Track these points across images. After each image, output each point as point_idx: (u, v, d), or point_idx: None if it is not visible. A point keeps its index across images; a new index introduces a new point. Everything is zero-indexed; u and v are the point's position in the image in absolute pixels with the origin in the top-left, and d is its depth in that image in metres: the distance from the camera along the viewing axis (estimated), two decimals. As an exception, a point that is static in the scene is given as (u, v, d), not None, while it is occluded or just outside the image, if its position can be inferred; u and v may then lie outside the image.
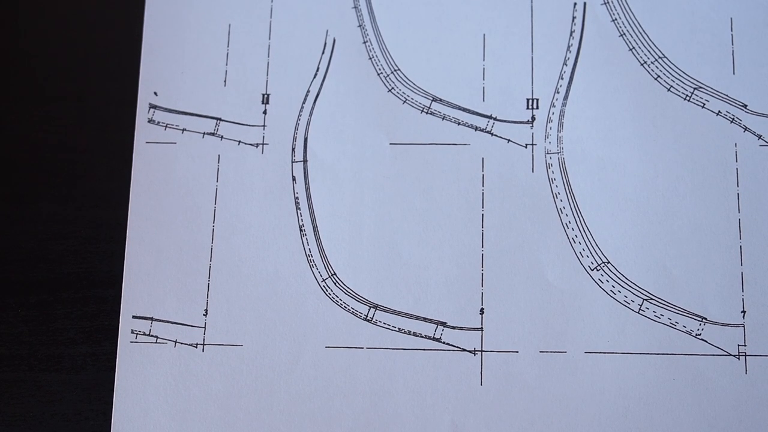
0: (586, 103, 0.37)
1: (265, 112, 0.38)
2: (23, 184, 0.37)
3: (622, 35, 0.37)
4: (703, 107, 0.37)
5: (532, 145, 0.37)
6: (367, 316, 0.35)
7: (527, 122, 0.37)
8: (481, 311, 0.35)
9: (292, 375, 0.35)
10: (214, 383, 0.35)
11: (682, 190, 0.36)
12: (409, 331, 0.35)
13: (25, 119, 0.38)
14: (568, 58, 0.37)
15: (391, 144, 0.37)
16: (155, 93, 0.38)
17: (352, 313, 0.36)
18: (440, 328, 0.35)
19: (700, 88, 0.37)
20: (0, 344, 0.33)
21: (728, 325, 0.35)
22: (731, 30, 0.37)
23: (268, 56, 0.38)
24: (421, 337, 0.35)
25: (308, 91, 0.38)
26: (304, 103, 0.38)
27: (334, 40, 0.38)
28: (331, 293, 0.36)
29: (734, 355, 0.34)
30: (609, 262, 0.35)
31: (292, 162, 0.37)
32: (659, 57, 0.37)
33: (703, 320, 0.35)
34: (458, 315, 0.35)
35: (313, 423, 0.35)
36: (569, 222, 0.36)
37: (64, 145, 0.38)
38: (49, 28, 0.39)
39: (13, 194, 0.37)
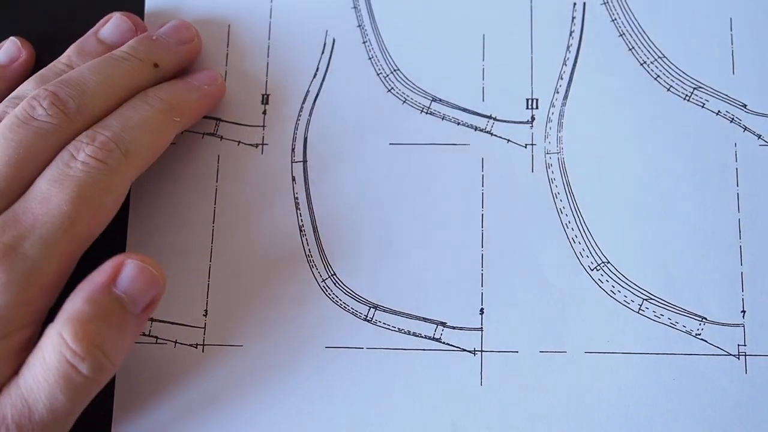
0: (585, 103, 0.37)
1: (264, 113, 0.38)
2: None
3: (621, 35, 0.37)
4: (702, 107, 0.37)
5: (532, 145, 0.37)
6: (367, 316, 0.35)
7: (527, 122, 0.37)
8: (481, 311, 0.35)
9: (293, 375, 0.35)
10: (214, 383, 0.35)
11: (682, 190, 0.36)
12: (409, 331, 0.35)
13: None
14: (568, 58, 0.37)
15: (390, 144, 0.37)
16: (155, 93, 0.38)
17: (352, 313, 0.36)
18: (440, 328, 0.35)
19: (700, 87, 0.37)
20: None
21: (728, 324, 0.35)
22: (731, 30, 0.37)
23: (268, 56, 0.38)
24: (421, 337, 0.35)
25: (308, 91, 0.38)
26: (303, 103, 0.38)
27: (334, 40, 0.38)
28: (331, 293, 0.36)
29: (734, 355, 0.34)
30: (609, 262, 0.35)
31: (292, 162, 0.37)
32: (659, 57, 0.37)
33: (703, 320, 0.35)
34: (458, 315, 0.35)
35: (313, 423, 0.34)
36: (569, 222, 0.36)
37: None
38: (47, 31, 0.39)
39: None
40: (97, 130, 0.32)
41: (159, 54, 0.35)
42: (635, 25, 0.37)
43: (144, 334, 0.36)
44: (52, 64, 0.36)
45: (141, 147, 0.32)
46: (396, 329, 0.35)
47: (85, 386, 0.29)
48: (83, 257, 0.36)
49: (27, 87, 0.34)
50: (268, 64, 0.38)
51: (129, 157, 0.32)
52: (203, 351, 0.35)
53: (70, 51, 0.36)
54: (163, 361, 0.35)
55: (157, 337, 0.36)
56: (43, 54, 0.39)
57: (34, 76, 0.35)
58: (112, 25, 0.37)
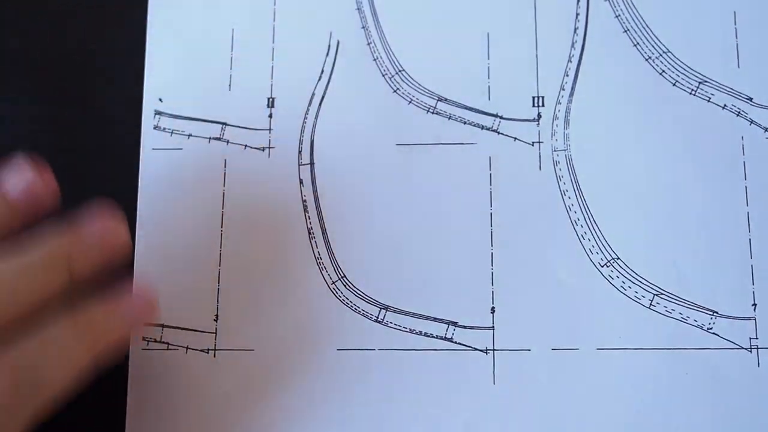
0: (591, 99, 0.37)
1: (270, 116, 0.38)
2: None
3: (626, 31, 0.37)
4: (708, 101, 0.37)
5: (539, 142, 0.37)
6: (378, 317, 0.35)
7: (533, 120, 0.37)
8: (492, 310, 0.35)
9: (305, 378, 0.35)
10: (226, 388, 0.35)
11: (690, 185, 0.36)
12: (421, 332, 0.35)
13: (33, 126, 0.38)
14: (573, 55, 0.37)
15: (397, 145, 0.37)
16: (160, 99, 0.38)
17: (363, 314, 0.35)
18: (451, 327, 0.35)
19: (705, 82, 0.37)
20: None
21: (740, 318, 0.35)
22: (735, 24, 0.37)
23: (272, 60, 0.38)
24: (433, 337, 0.35)
25: (313, 94, 0.38)
26: (309, 105, 0.38)
27: (338, 42, 0.38)
28: (342, 295, 0.36)
29: (746, 349, 0.34)
30: (619, 258, 0.35)
31: (299, 165, 0.37)
32: (664, 52, 0.37)
33: (715, 314, 0.35)
34: (469, 314, 0.35)
35: (327, 425, 0.34)
36: (578, 219, 0.36)
37: (72, 152, 0.38)
38: (52, 37, 0.39)
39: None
40: (11, 361, 0.27)
41: (78, 262, 0.30)
42: (639, 21, 0.37)
43: (155, 341, 0.35)
44: None
45: (55, 383, 0.28)
46: (407, 330, 0.35)
47: None
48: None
49: None
50: (272, 67, 0.38)
51: (41, 389, 0.28)
52: (215, 356, 0.35)
53: None
54: (174, 367, 0.35)
55: (168, 344, 0.36)
56: (45, 62, 0.38)
57: None
58: (16, 178, 0.31)
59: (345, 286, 0.36)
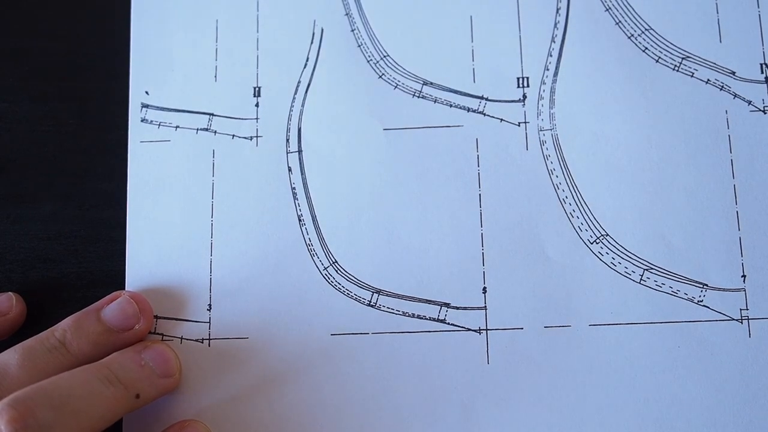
0: (576, 78, 0.37)
1: (257, 105, 0.38)
2: (23, 184, 0.37)
3: (608, 9, 0.38)
4: (692, 76, 0.37)
5: (525, 123, 0.37)
6: (370, 301, 0.36)
7: (519, 101, 0.37)
8: (484, 290, 0.35)
9: (299, 364, 0.35)
10: (222, 377, 0.35)
11: (676, 160, 0.36)
12: (414, 314, 0.35)
13: (24, 119, 0.38)
14: (556, 35, 0.38)
15: (384, 129, 0.37)
16: (146, 92, 0.38)
17: (356, 299, 0.36)
18: (444, 309, 0.35)
19: (688, 57, 0.37)
20: (0, 345, 0.33)
21: (729, 290, 0.35)
22: (715, -1, 0.38)
23: (257, 49, 0.38)
24: (426, 319, 0.35)
25: (299, 82, 0.38)
26: (295, 93, 0.38)
27: (322, 30, 0.38)
28: (334, 281, 0.36)
29: (737, 320, 0.35)
30: (608, 235, 0.36)
31: (287, 153, 0.37)
32: (646, 29, 0.37)
33: (705, 287, 0.35)
34: (461, 295, 0.35)
35: (323, 411, 0.35)
36: (566, 197, 0.36)
37: (62, 146, 0.38)
38: (38, 30, 0.39)
39: (13, 194, 0.37)
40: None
41: (143, 386, 0.33)
42: (621, -1, 0.38)
43: (150, 332, 0.35)
44: (44, 336, 0.33)
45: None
46: (400, 313, 0.35)
47: None
48: (85, 256, 0.36)
49: (9, 357, 0.32)
50: (257, 57, 0.38)
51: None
52: (209, 345, 0.35)
53: (67, 325, 0.33)
54: (169, 357, 0.35)
55: (162, 335, 0.36)
56: (32, 55, 0.39)
57: (21, 347, 0.32)
58: (117, 307, 0.34)
59: (337, 271, 0.36)
